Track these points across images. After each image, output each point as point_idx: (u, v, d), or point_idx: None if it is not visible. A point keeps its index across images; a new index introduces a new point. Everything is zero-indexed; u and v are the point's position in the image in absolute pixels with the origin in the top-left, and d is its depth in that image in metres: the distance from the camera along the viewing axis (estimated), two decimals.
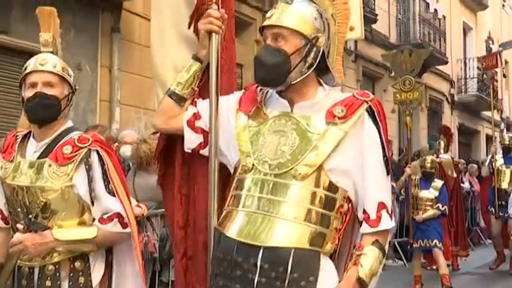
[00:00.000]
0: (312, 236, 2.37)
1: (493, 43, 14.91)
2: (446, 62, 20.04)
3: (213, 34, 2.64)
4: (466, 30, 24.34)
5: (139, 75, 9.62)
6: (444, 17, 19.99)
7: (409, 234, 8.50)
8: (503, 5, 28.12)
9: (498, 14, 27.25)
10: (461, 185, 12.25)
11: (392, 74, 11.56)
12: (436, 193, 8.39)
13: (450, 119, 21.94)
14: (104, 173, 2.93)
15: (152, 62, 2.89)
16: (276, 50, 2.42)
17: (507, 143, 10.57)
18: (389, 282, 8.12)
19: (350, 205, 2.44)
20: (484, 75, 24.03)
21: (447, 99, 21.95)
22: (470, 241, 12.89)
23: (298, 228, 2.37)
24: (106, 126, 7.45)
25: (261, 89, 2.58)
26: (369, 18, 15.13)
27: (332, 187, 2.40)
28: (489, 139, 24.44)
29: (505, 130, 12.04)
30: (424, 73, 19.74)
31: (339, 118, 2.39)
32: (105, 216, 2.95)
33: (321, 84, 2.54)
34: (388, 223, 2.40)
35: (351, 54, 16.06)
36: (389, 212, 2.41)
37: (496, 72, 12.60)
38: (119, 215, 2.95)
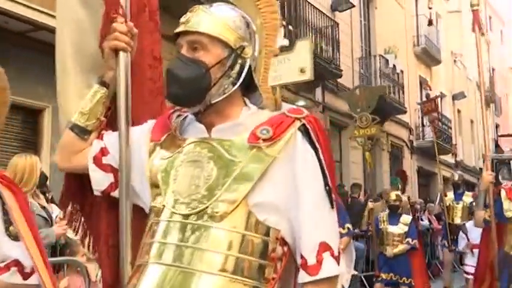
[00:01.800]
0: None
1: (430, 89, 15.10)
2: (405, 112, 20.22)
3: (120, 52, 2.00)
4: (422, 83, 24.66)
5: None
6: (402, 71, 20.24)
7: (376, 267, 8.22)
8: (454, 61, 28.60)
9: (450, 69, 27.69)
10: (420, 222, 12.25)
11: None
12: (405, 228, 8.07)
13: (410, 163, 22.05)
14: (5, 214, 2.23)
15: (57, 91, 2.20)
16: (193, 61, 1.80)
17: (456, 180, 10.49)
18: None
19: (286, 248, 1.77)
20: (440, 123, 24.34)
21: (407, 145, 22.09)
22: (431, 273, 12.80)
23: (226, 283, 1.69)
24: None
25: (178, 114, 1.94)
26: (335, 73, 15.31)
27: (261, 227, 1.73)
28: (446, 180, 24.54)
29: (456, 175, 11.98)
30: (386, 122, 19.95)
31: (264, 140, 1.75)
32: (1, 265, 2.21)
33: (246, 104, 1.91)
34: (332, 268, 1.72)
35: (319, 105, 16.14)
36: (336, 254, 1.73)
37: (436, 117, 12.64)
38: (17, 263, 2.21)
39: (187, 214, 1.74)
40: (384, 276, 7.97)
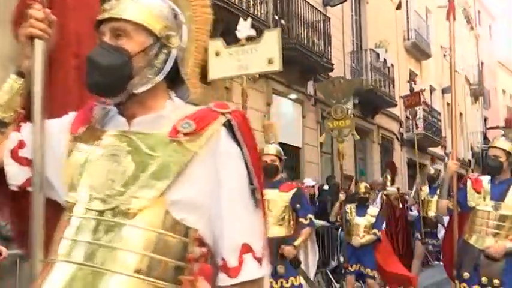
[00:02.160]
0: None
1: (415, 83, 14.98)
2: (396, 105, 20.23)
3: (36, 40, 1.86)
4: (412, 76, 24.63)
5: None
6: (392, 65, 20.23)
7: (345, 258, 8.00)
8: (444, 55, 28.57)
9: (440, 63, 27.67)
10: (410, 212, 12.21)
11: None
12: (372, 220, 7.93)
13: (400, 155, 22.06)
14: None
15: None
16: (115, 48, 1.66)
17: (432, 173, 10.41)
18: None
19: (206, 249, 1.66)
20: (430, 116, 24.36)
21: (397, 137, 22.11)
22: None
23: (138, 285, 1.54)
24: None
25: (103, 106, 1.80)
26: (326, 67, 15.29)
27: (178, 226, 1.59)
28: (434, 172, 24.62)
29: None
30: (376, 115, 19.98)
31: (185, 134, 1.62)
32: None
33: (171, 98, 1.77)
34: (254, 271, 1.60)
35: (311, 99, 16.13)
36: (259, 256, 1.62)
37: (417, 111, 12.47)
38: None
39: (102, 210, 1.60)
40: (351, 268, 7.86)
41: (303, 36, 14.70)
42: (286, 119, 14.75)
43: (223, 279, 1.61)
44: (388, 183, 10.73)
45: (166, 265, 1.58)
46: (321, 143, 16.55)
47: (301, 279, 5.47)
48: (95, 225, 1.59)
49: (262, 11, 12.94)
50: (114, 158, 1.64)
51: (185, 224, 1.60)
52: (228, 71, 5.85)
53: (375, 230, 7.79)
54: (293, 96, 14.95)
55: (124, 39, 1.67)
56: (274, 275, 5.16)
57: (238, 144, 1.65)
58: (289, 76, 14.53)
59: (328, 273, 10.37)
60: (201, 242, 1.64)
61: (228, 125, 1.65)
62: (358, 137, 8.66)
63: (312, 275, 5.80)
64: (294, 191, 5.46)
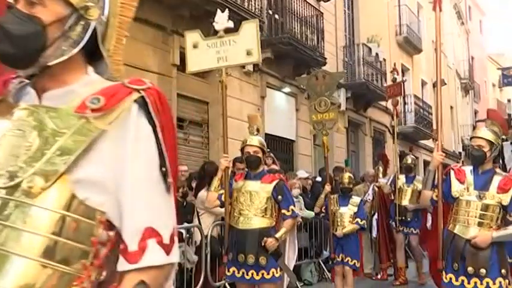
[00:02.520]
0: (59, 281, 1.44)
1: (397, 74, 14.82)
2: (388, 99, 20.18)
3: None
4: (404, 71, 24.62)
5: None
6: (384, 59, 20.21)
7: (331, 249, 7.76)
8: (435, 49, 28.55)
9: (431, 57, 27.63)
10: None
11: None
12: (355, 209, 7.77)
13: (392, 147, 22.05)
14: None
15: None
16: (28, 16, 1.50)
17: (409, 162, 10.24)
18: None
19: (113, 233, 1.50)
20: (421, 110, 24.38)
21: (389, 130, 22.09)
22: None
23: (35, 269, 1.42)
24: None
25: (21, 79, 1.63)
26: (319, 61, 15.24)
27: (83, 208, 1.46)
28: (426, 163, 24.69)
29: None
30: (368, 108, 19.98)
31: (93, 110, 1.47)
32: None
33: (87, 73, 1.61)
34: (157, 257, 1.46)
35: (305, 92, 16.06)
36: (166, 242, 1.48)
37: (398, 100, 12.16)
38: None
39: (3, 187, 1.46)
40: (338, 258, 7.68)
41: (296, 30, 14.67)
42: (280, 112, 14.74)
43: (121, 263, 1.46)
44: (380, 175, 10.63)
45: (71, 249, 1.45)
46: (314, 136, 16.57)
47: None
48: (0, 203, 1.45)
49: (257, 6, 12.90)
50: (20, 133, 1.51)
51: (91, 205, 1.47)
52: (207, 63, 5.66)
53: (358, 219, 7.69)
54: (287, 89, 14.92)
55: (38, 7, 1.52)
56: (257, 266, 5.14)
57: (152, 123, 1.52)
58: (283, 70, 14.52)
59: (321, 263, 10.38)
60: (109, 226, 1.50)
61: (142, 102, 1.51)
62: (343, 130, 8.51)
63: (291, 266, 5.74)
64: (275, 182, 5.36)
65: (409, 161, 10.26)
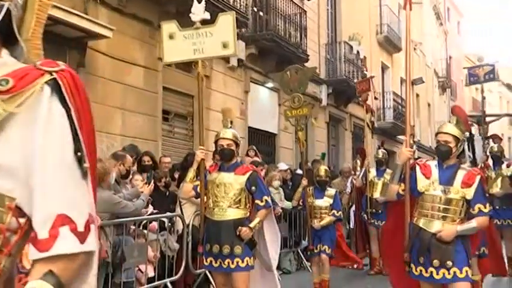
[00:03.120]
0: None
1: (366, 70, 14.63)
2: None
3: None
4: (384, 68, 24.75)
5: (102, 104, 9.41)
6: (365, 57, 20.24)
7: (309, 240, 7.74)
8: (414, 49, 28.68)
9: (411, 56, 27.73)
10: None
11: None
12: (331, 201, 7.69)
13: (371, 142, 22.12)
14: None
15: None
16: None
17: (380, 157, 10.15)
18: None
19: (24, 220, 1.40)
20: (399, 106, 24.46)
21: (368, 125, 22.12)
22: None
23: None
24: None
25: None
26: (302, 58, 15.23)
27: None
28: None
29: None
30: (349, 104, 20.02)
31: (1, 93, 1.36)
32: None
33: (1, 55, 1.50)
34: (69, 245, 1.34)
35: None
36: (81, 230, 1.36)
37: (368, 95, 12.11)
38: None
39: None
40: (316, 249, 7.64)
41: (280, 27, 14.65)
42: (263, 106, 14.72)
43: (32, 252, 1.35)
44: (358, 168, 10.65)
45: None
46: (296, 130, 16.58)
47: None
48: None
49: (242, 3, 12.86)
50: None
51: None
52: (183, 55, 5.46)
53: (334, 211, 7.64)
54: (270, 84, 14.91)
55: None
56: (232, 255, 5.08)
57: (65, 106, 1.41)
58: (266, 65, 14.50)
59: (300, 252, 10.42)
60: (20, 213, 1.39)
61: (54, 85, 1.41)
62: (316, 124, 8.38)
63: (273, 254, 5.59)
64: (249, 174, 5.26)
65: (380, 155, 10.18)
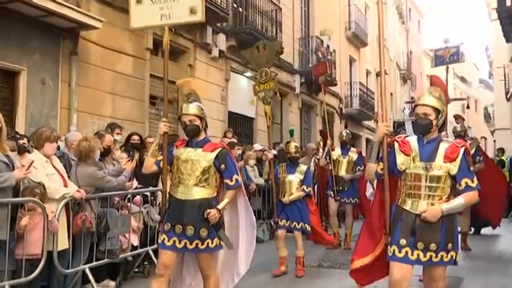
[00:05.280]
0: None
1: (321, 54, 13.96)
2: (336, 84, 20.18)
3: None
4: (351, 61, 24.64)
5: (93, 89, 9.20)
6: (334, 51, 20.13)
7: (276, 213, 7.18)
8: (379, 44, 28.59)
9: (375, 50, 27.70)
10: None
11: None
12: (301, 176, 7.12)
13: (339, 127, 22.10)
14: None
15: None
16: None
17: (344, 138, 9.64)
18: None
19: None
20: (365, 95, 24.43)
21: (337, 112, 22.13)
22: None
23: None
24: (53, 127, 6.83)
25: None
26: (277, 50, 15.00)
27: None
28: (368, 141, 24.91)
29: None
30: (320, 92, 19.87)
31: None
32: None
33: None
34: None
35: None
36: None
37: (324, 78, 11.33)
38: None
39: None
40: (281, 222, 7.05)
41: (257, 22, 14.47)
42: (242, 93, 14.55)
43: None
44: (320, 149, 10.45)
45: None
46: (272, 115, 16.45)
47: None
48: None
49: (223, 0, 12.63)
50: None
51: None
52: (150, 20, 4.81)
53: (304, 186, 7.15)
54: (248, 74, 14.72)
55: None
56: (197, 237, 4.18)
57: None
58: (244, 56, 14.30)
59: (272, 223, 10.31)
60: None
61: None
62: (280, 97, 7.76)
63: (246, 235, 4.73)
64: (218, 151, 4.32)
65: (344, 135, 9.72)
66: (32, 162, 5.02)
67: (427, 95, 3.78)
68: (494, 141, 35.47)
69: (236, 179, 4.35)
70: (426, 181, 3.68)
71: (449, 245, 3.68)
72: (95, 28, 8.81)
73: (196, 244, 4.20)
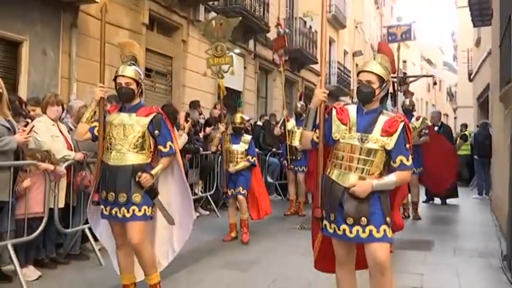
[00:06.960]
0: None
1: (281, 27, 13.43)
2: (317, 62, 19.92)
3: None
4: (331, 42, 24.32)
5: (92, 60, 8.84)
6: (316, 32, 19.79)
7: (224, 184, 6.76)
8: (356, 26, 28.28)
9: (353, 32, 27.40)
10: None
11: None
12: (246, 146, 6.73)
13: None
14: None
15: None
16: None
17: (299, 109, 9.19)
18: (207, 231, 6.96)
19: None
20: (342, 73, 24.21)
21: (286, 77, 21.84)
22: None
23: None
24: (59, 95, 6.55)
25: None
26: (264, 29, 14.80)
27: None
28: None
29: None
30: (302, 69, 19.67)
31: None
32: None
33: None
34: None
35: (251, 53, 15.63)
36: None
37: (283, 52, 10.36)
38: None
39: None
40: (229, 192, 6.71)
41: (246, 2, 14.09)
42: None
43: None
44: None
45: None
46: (258, 88, 16.21)
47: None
48: None
49: None
50: None
51: None
52: None
53: (249, 157, 6.71)
54: (237, 50, 14.40)
55: None
56: (129, 203, 3.71)
57: None
58: (234, 34, 13.92)
59: (208, 197, 9.23)
60: None
61: None
62: (234, 73, 7.22)
63: (182, 206, 4.12)
64: (152, 115, 3.83)
65: (299, 107, 9.29)
66: (33, 126, 4.85)
67: (373, 62, 3.24)
68: (455, 117, 35.70)
69: (170, 146, 3.86)
70: (361, 154, 3.14)
71: (386, 219, 3.12)
72: (95, 2, 8.42)
73: (124, 212, 3.71)
